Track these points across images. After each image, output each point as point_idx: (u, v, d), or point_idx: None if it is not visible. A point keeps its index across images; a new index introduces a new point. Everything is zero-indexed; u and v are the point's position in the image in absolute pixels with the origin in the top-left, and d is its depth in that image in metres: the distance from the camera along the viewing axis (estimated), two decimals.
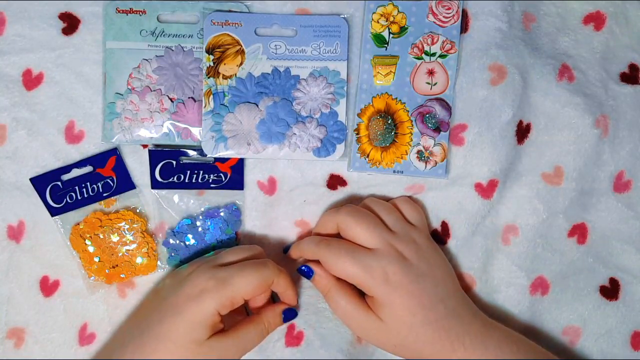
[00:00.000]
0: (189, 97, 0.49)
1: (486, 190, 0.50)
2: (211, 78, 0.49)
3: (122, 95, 0.49)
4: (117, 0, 0.49)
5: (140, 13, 0.49)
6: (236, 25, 0.49)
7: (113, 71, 0.49)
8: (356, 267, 0.44)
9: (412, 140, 0.50)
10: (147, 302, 0.49)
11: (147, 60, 0.49)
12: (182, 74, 0.49)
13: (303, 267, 0.47)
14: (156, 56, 0.49)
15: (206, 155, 0.49)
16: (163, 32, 0.49)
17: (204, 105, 0.49)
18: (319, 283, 0.47)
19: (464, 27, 0.50)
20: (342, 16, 0.49)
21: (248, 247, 0.48)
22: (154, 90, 0.49)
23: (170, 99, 0.49)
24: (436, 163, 0.50)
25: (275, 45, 0.49)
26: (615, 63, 0.52)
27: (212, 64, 0.49)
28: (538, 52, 0.51)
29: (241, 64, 0.49)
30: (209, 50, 0.49)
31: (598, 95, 0.51)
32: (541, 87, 0.50)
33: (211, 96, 0.49)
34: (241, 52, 0.49)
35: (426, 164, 0.50)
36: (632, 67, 0.52)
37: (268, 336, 0.50)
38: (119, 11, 0.49)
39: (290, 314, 0.48)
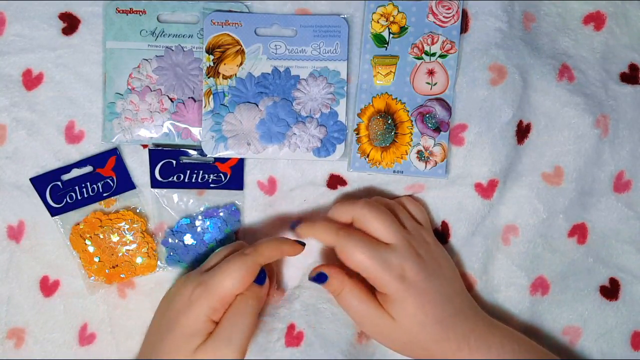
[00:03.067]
0: (189, 97, 0.49)
1: (486, 190, 0.50)
2: (211, 78, 0.49)
3: (122, 95, 0.49)
4: (117, 0, 0.49)
5: (140, 13, 0.49)
6: (236, 25, 0.49)
7: (113, 71, 0.49)
8: (374, 261, 0.43)
9: (412, 140, 0.50)
10: (152, 322, 0.48)
11: (147, 60, 0.49)
12: (182, 74, 0.49)
13: (315, 276, 0.46)
14: (156, 56, 0.49)
15: (206, 155, 0.49)
16: (163, 32, 0.49)
17: (204, 105, 0.49)
18: (332, 286, 0.46)
19: (464, 27, 0.50)
20: (342, 16, 0.49)
21: (229, 245, 0.47)
22: (154, 90, 0.49)
23: (170, 99, 0.49)
24: (436, 163, 0.50)
25: (275, 45, 0.49)
26: (615, 63, 0.52)
27: (212, 64, 0.49)
28: (538, 52, 0.51)
29: (241, 64, 0.49)
30: (209, 50, 0.49)
31: (598, 95, 0.51)
32: (541, 87, 0.50)
33: (211, 96, 0.49)
34: (241, 52, 0.49)
35: (426, 164, 0.50)
36: (632, 67, 0.52)
37: (268, 336, 0.50)
38: (119, 11, 0.49)
39: (259, 276, 0.44)
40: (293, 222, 0.47)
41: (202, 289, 0.42)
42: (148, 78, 0.49)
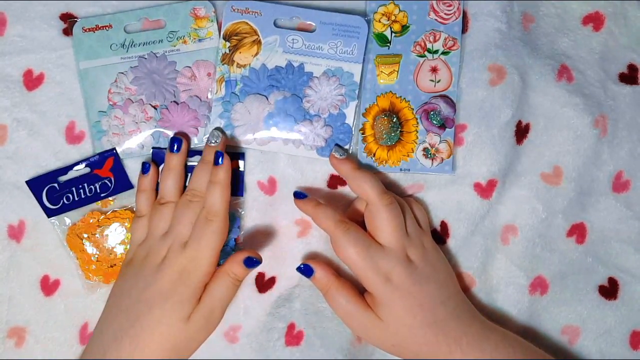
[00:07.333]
0: (171, 102, 0.49)
1: (485, 190, 0.50)
2: (225, 65, 0.49)
3: (105, 112, 0.49)
4: (82, 18, 0.49)
5: (107, 28, 0.49)
6: (256, 14, 0.49)
7: (91, 90, 0.49)
8: (364, 261, 0.44)
9: (417, 138, 0.50)
10: (124, 294, 0.47)
11: (122, 73, 0.49)
12: (160, 80, 0.49)
13: (302, 266, 0.47)
14: (131, 67, 0.49)
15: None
16: (133, 42, 0.49)
17: (215, 91, 0.49)
18: (319, 282, 0.47)
19: (463, 28, 0.50)
20: (365, 18, 0.49)
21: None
22: (136, 102, 0.49)
23: (154, 107, 0.49)
24: (442, 160, 0.50)
25: (293, 39, 0.49)
26: (614, 63, 0.52)
27: (227, 50, 0.49)
28: (537, 52, 0.51)
29: (256, 54, 0.49)
30: (226, 37, 0.49)
31: (597, 96, 0.51)
32: (540, 88, 0.50)
33: (223, 83, 0.49)
34: (258, 42, 0.49)
35: (432, 161, 0.50)
36: (631, 67, 0.52)
37: (268, 336, 0.50)
38: (85, 30, 0.49)
39: (250, 261, 0.45)
40: (297, 191, 0.48)
41: (190, 259, 0.44)
42: (127, 90, 0.49)
